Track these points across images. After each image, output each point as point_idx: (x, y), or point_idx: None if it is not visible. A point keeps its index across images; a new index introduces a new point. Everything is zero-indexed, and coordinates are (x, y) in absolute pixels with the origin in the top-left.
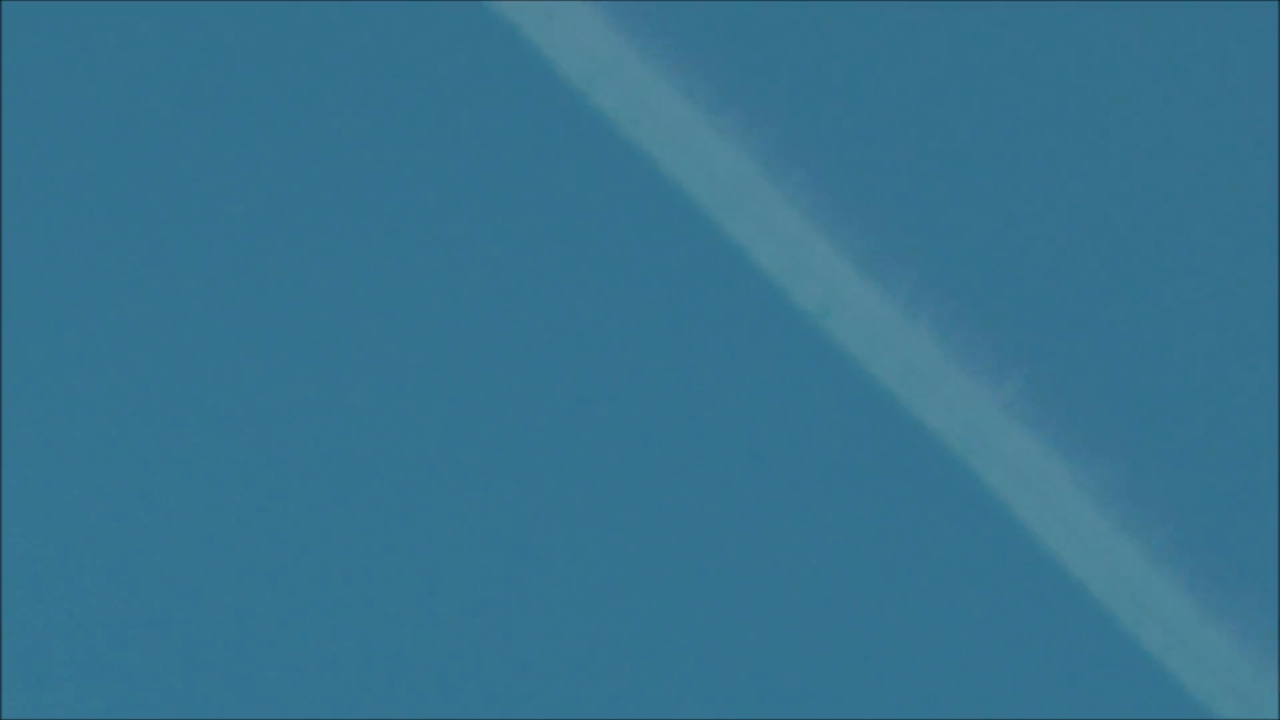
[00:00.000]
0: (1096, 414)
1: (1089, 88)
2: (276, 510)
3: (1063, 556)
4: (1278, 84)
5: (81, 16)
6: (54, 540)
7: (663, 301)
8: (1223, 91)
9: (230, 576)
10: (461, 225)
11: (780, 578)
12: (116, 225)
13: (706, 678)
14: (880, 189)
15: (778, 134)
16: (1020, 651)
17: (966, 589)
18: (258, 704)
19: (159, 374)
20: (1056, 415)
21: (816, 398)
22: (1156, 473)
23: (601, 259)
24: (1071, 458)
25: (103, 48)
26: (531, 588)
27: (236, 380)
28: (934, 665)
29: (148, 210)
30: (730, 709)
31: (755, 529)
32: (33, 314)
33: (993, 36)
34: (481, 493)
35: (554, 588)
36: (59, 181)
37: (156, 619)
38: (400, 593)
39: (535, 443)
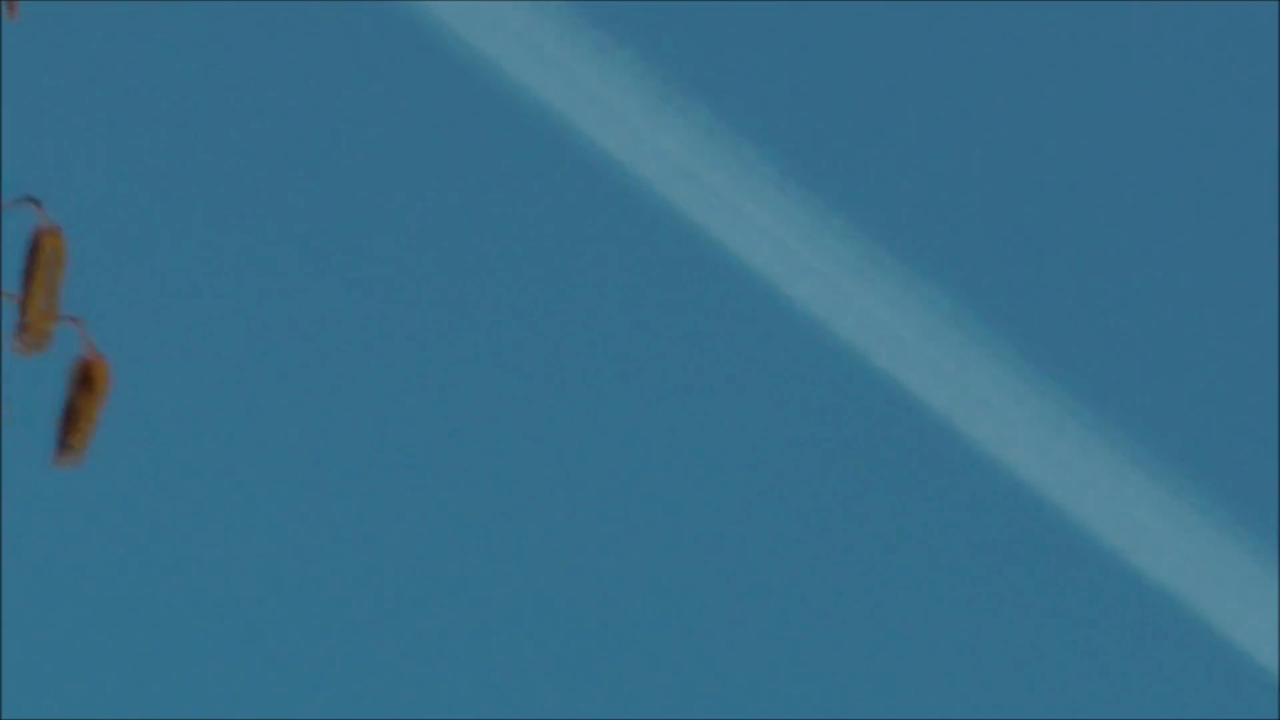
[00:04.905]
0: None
1: (1089, 88)
2: (275, 516)
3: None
4: (1278, 84)
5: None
6: (54, 541)
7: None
8: (1223, 91)
9: (229, 578)
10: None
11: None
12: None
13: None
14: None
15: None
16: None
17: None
18: (257, 704)
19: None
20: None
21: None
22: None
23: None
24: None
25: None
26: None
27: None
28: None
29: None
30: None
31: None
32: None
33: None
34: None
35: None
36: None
37: (159, 619)
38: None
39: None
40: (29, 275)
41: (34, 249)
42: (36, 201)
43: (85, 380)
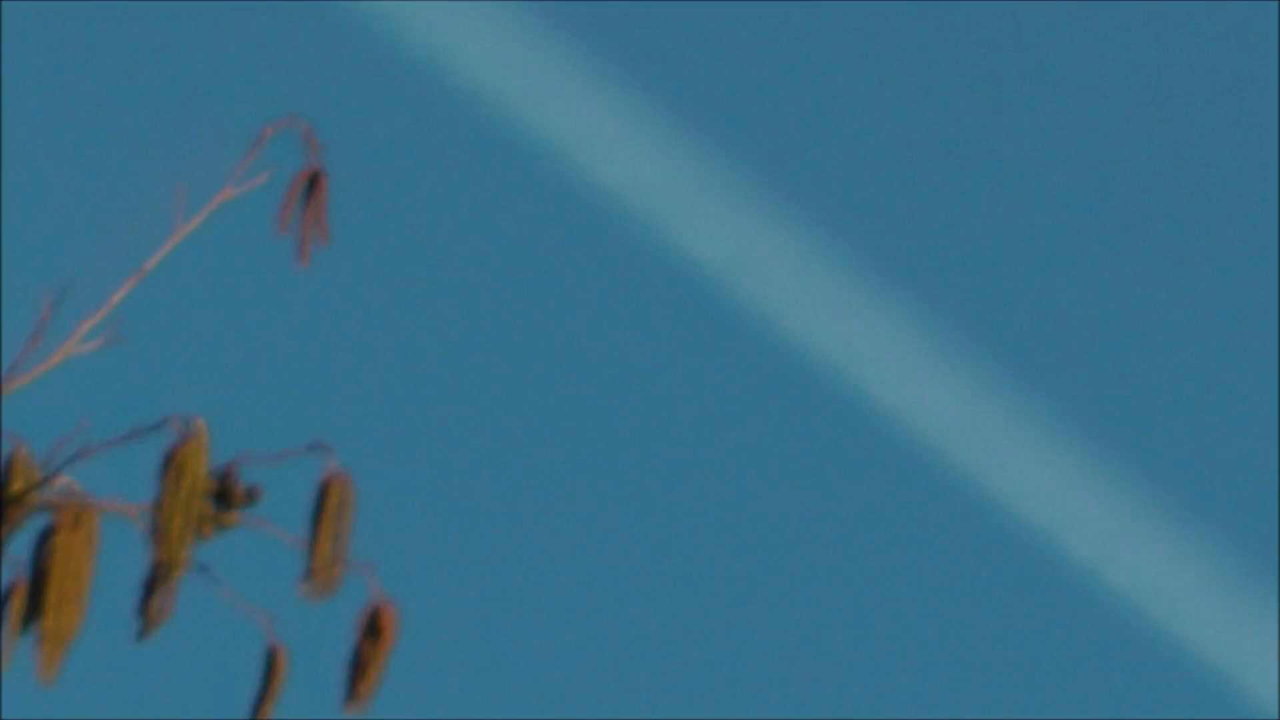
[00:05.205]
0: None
1: (1092, 86)
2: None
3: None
4: (1278, 84)
5: None
6: None
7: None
8: (1223, 91)
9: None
10: None
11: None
12: None
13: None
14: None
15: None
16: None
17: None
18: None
19: None
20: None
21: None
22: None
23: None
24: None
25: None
26: None
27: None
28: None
29: None
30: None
31: None
32: None
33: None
34: None
35: None
36: None
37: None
38: None
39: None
40: (317, 521)
41: (322, 494)
42: (326, 447)
43: (374, 628)
